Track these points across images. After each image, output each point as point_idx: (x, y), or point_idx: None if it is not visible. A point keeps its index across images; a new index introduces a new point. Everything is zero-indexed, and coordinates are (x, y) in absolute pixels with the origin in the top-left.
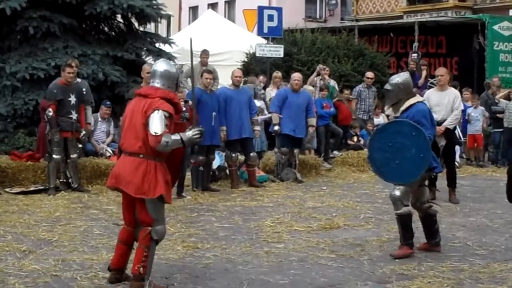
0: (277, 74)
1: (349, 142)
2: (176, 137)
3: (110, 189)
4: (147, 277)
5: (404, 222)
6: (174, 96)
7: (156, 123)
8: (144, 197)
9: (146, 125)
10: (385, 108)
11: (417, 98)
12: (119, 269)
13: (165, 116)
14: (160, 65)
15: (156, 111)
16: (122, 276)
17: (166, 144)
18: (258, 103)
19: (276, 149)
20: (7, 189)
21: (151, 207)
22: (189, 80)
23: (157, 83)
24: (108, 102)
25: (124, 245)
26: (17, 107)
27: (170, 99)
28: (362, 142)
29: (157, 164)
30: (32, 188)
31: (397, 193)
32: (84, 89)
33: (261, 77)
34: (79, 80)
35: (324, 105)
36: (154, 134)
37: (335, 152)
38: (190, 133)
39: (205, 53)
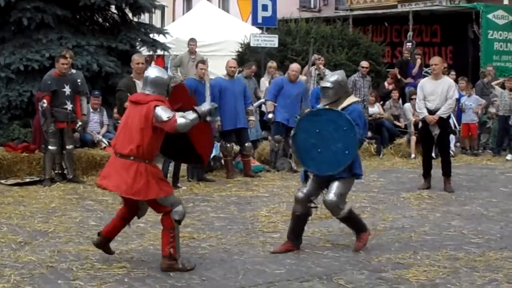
0: (272, 64)
1: None
2: (191, 114)
3: (101, 188)
4: (178, 255)
5: (350, 218)
6: (164, 99)
7: (163, 113)
8: (134, 198)
9: (144, 128)
10: (320, 106)
11: (354, 98)
12: (106, 238)
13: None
14: (152, 72)
15: (157, 106)
16: (106, 246)
17: (184, 122)
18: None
19: (270, 137)
20: (2, 181)
21: (159, 200)
22: (178, 69)
23: (147, 91)
24: (97, 92)
25: (118, 218)
26: (12, 98)
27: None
28: None
29: (148, 166)
30: (27, 180)
31: (333, 198)
32: (79, 80)
33: (253, 67)
34: (73, 71)
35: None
36: (167, 119)
37: None
38: (203, 107)
39: (192, 41)
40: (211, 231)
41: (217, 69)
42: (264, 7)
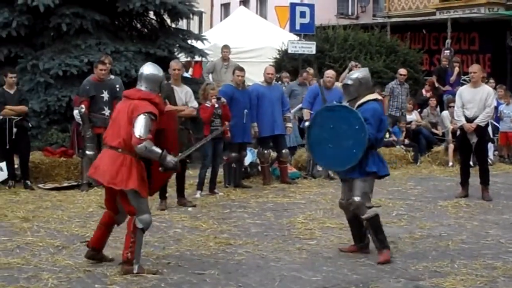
0: (310, 70)
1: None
2: (157, 150)
3: (89, 180)
4: (135, 261)
5: (375, 224)
6: (154, 96)
7: (141, 127)
8: (114, 187)
9: (130, 124)
10: (343, 103)
11: (375, 95)
12: (97, 248)
13: (151, 119)
14: (147, 69)
15: (143, 115)
16: (98, 255)
17: (145, 149)
18: None
19: (306, 146)
20: (40, 185)
21: (132, 198)
22: (210, 75)
23: (140, 86)
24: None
25: (103, 226)
26: (50, 103)
27: (150, 99)
28: (393, 138)
29: (133, 160)
30: (65, 184)
31: (358, 198)
32: (117, 86)
33: (304, 74)
34: (112, 76)
35: None
36: (138, 137)
37: None
38: (170, 158)
39: (226, 48)
40: (247, 237)
41: (254, 76)
42: (302, 14)
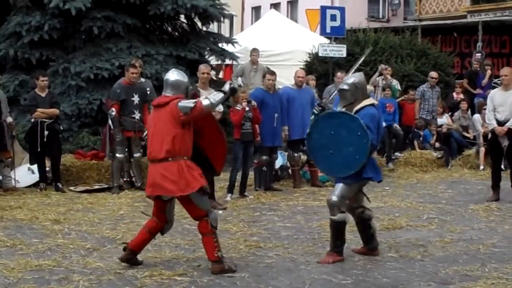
0: (341, 74)
1: (416, 142)
2: (218, 93)
3: (150, 199)
4: (224, 259)
5: (338, 228)
6: (182, 96)
7: (186, 103)
8: (184, 193)
9: (173, 127)
10: (338, 108)
11: (370, 100)
12: (135, 252)
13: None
14: (172, 75)
15: (178, 102)
16: (133, 258)
17: (210, 102)
18: None
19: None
20: (71, 188)
21: (199, 201)
22: (239, 79)
23: (168, 93)
24: None
25: (148, 232)
26: (82, 106)
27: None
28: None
29: (186, 162)
30: (96, 187)
31: (334, 198)
32: (148, 89)
33: (309, 76)
34: (143, 80)
35: (387, 105)
36: (192, 105)
37: (397, 153)
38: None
39: (254, 52)
40: (277, 240)
41: (285, 79)
42: (333, 17)
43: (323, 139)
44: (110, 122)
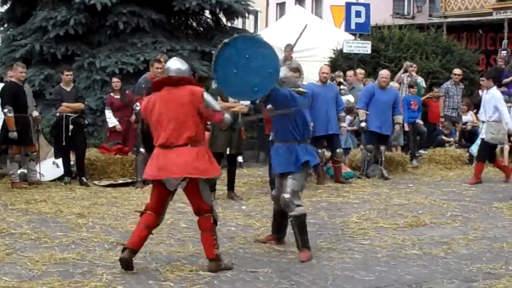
0: (360, 71)
1: (443, 138)
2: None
3: (148, 181)
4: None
5: (301, 222)
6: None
7: (213, 102)
8: (202, 176)
9: (194, 115)
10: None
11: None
12: (135, 250)
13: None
14: (173, 63)
15: (205, 93)
16: (132, 261)
17: (228, 119)
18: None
19: (361, 146)
20: (96, 182)
21: (206, 195)
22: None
23: None
24: None
25: (146, 228)
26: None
27: (189, 81)
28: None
29: (204, 148)
30: (120, 181)
31: (287, 196)
32: None
33: (336, 72)
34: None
35: (412, 102)
36: (217, 110)
37: (421, 151)
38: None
39: (288, 47)
40: None
41: (309, 75)
42: (358, 14)
43: (235, 57)
44: (134, 116)
